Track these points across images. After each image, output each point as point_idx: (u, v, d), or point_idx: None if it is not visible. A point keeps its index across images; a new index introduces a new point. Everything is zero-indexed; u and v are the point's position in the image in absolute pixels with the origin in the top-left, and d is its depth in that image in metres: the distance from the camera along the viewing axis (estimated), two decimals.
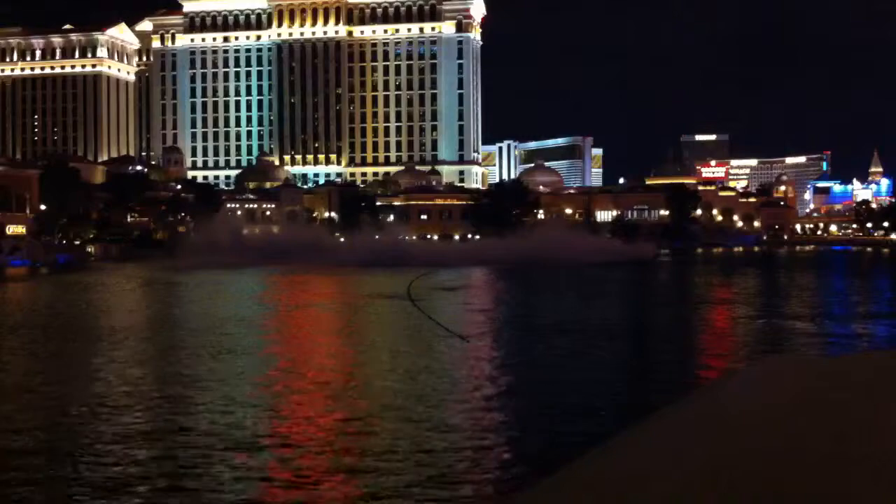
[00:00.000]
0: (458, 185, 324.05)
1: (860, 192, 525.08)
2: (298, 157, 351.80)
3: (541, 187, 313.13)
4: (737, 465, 3.68)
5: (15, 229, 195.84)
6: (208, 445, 27.42)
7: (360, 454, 26.44)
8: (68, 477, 24.63)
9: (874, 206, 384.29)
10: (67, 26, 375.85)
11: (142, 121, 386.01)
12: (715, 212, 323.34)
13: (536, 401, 34.58)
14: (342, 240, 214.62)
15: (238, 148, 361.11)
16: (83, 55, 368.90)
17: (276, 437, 28.70)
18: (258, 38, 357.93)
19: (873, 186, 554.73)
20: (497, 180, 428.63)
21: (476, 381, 38.92)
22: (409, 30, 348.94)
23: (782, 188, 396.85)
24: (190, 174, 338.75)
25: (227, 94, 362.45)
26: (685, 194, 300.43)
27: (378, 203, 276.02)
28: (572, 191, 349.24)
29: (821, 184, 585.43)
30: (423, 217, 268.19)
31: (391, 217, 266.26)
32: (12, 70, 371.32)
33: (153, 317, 74.72)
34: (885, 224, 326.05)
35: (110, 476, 24.58)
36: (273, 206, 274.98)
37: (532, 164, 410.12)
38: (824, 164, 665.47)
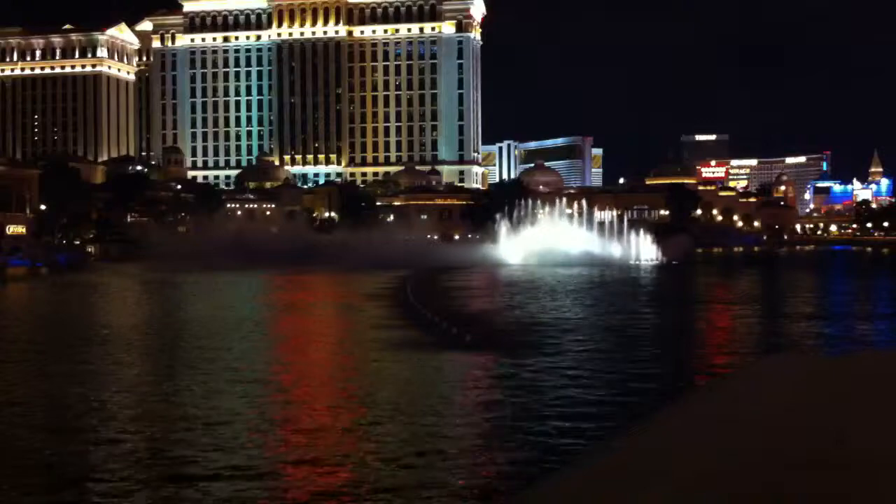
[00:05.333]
0: (458, 185, 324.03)
1: (860, 192, 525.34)
2: (298, 157, 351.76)
3: (541, 187, 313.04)
4: (737, 465, 3.70)
5: (15, 229, 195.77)
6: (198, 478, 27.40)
7: (371, 457, 26.46)
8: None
9: (874, 206, 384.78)
10: (67, 26, 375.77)
11: (142, 121, 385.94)
12: (715, 212, 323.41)
13: (532, 400, 34.59)
14: (333, 237, 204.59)
15: (238, 148, 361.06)
16: (83, 55, 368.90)
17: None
18: (258, 38, 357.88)
19: (873, 186, 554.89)
20: (497, 180, 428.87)
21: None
22: (409, 30, 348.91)
23: (782, 188, 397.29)
24: (190, 174, 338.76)
25: (227, 94, 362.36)
26: (685, 194, 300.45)
27: (378, 203, 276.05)
28: (572, 191, 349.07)
29: (821, 184, 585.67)
30: (423, 217, 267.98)
31: (391, 217, 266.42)
32: (12, 70, 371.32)
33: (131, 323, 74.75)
34: (886, 224, 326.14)
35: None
36: (273, 206, 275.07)
37: (532, 164, 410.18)
38: (824, 164, 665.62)
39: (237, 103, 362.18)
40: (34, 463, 26.14)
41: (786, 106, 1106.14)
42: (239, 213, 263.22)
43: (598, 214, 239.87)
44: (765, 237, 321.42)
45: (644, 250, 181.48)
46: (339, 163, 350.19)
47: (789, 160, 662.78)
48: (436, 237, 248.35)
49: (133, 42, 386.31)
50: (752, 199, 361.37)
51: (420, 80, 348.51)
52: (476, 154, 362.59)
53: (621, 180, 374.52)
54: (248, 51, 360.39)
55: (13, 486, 23.97)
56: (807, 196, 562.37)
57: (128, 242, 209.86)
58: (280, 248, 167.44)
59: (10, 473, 25.11)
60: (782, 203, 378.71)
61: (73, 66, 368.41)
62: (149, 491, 23.43)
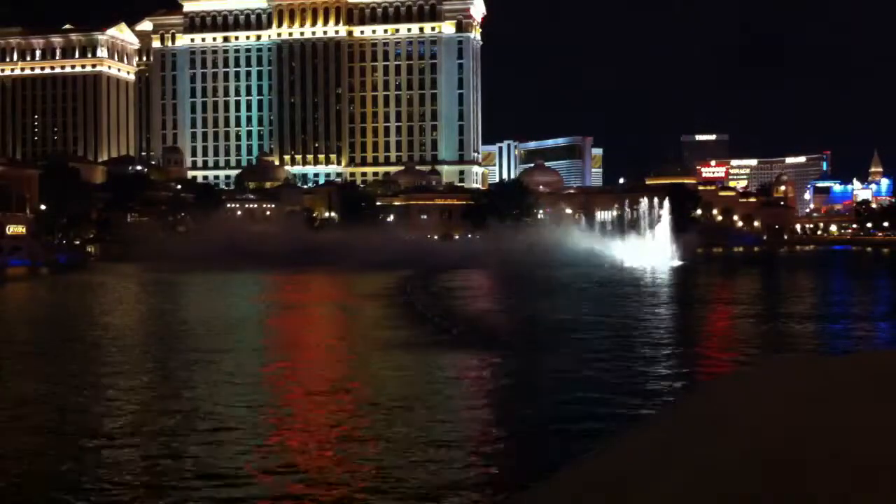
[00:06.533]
0: (458, 185, 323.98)
1: (860, 192, 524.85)
2: (298, 157, 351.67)
3: (541, 187, 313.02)
4: (736, 466, 3.69)
5: (15, 229, 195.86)
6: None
7: (359, 458, 26.40)
8: None
9: (874, 206, 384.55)
10: (67, 26, 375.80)
11: (142, 121, 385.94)
12: (715, 212, 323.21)
13: (519, 398, 34.53)
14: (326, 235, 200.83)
15: (238, 148, 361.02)
16: (83, 55, 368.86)
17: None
18: (258, 38, 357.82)
19: (873, 186, 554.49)
20: (497, 180, 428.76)
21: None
22: (409, 30, 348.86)
23: (782, 188, 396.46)
24: (190, 174, 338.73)
25: (227, 94, 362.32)
26: (685, 194, 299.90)
27: (378, 203, 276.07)
28: (572, 191, 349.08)
29: (821, 184, 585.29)
30: (423, 217, 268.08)
31: (391, 217, 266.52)
32: (12, 70, 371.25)
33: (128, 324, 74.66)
34: (886, 224, 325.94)
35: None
36: (273, 206, 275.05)
37: (532, 164, 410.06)
38: (824, 164, 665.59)
39: (237, 103, 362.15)
40: (24, 465, 26.05)
41: (786, 106, 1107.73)
42: (239, 213, 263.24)
43: (599, 214, 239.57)
44: (765, 237, 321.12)
45: (647, 251, 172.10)
46: (339, 163, 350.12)
47: (789, 160, 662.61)
48: (436, 237, 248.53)
49: (133, 42, 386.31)
50: (752, 199, 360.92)
51: (420, 80, 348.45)
52: (476, 154, 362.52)
53: (621, 180, 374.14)
54: (248, 51, 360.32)
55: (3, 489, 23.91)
56: (807, 196, 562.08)
57: (122, 243, 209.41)
58: (276, 249, 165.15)
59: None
60: (782, 203, 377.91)
61: (73, 66, 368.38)
62: (141, 499, 23.31)
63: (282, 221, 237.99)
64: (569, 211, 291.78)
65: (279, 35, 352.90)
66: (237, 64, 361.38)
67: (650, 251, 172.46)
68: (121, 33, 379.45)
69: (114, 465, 25.72)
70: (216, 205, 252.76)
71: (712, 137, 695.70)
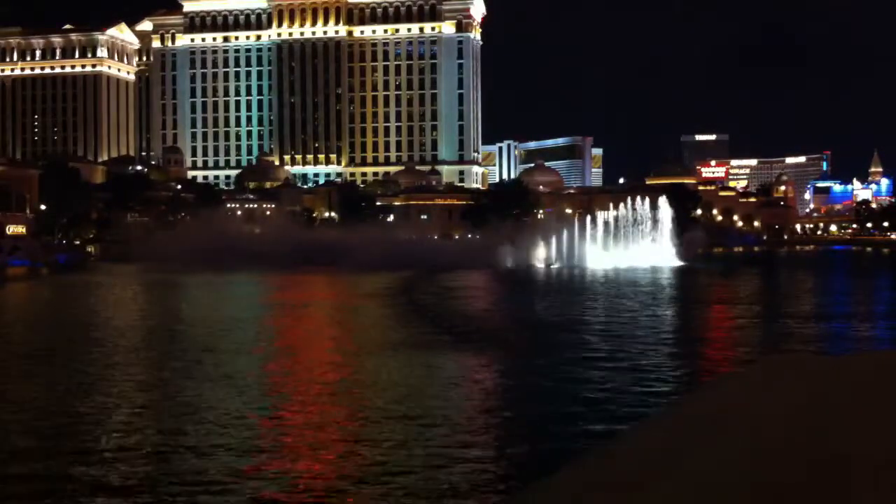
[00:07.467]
0: (458, 185, 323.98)
1: (860, 192, 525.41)
2: (298, 157, 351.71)
3: (541, 187, 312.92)
4: (737, 465, 3.70)
5: (15, 229, 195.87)
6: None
7: (357, 456, 26.37)
8: None
9: (874, 205, 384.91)
10: (67, 26, 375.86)
11: (142, 121, 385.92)
12: (715, 212, 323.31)
13: (522, 398, 34.51)
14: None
15: (238, 148, 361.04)
16: (83, 55, 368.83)
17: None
18: (258, 38, 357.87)
19: (873, 186, 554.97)
20: (497, 180, 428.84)
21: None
22: (409, 30, 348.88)
23: (782, 188, 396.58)
24: (190, 174, 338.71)
25: (227, 94, 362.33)
26: (685, 194, 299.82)
27: (378, 203, 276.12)
28: (572, 191, 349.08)
29: (821, 184, 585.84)
30: (423, 217, 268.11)
31: (391, 217, 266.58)
32: (12, 70, 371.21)
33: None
34: (886, 224, 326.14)
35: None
36: (273, 206, 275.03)
37: (532, 164, 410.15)
38: (824, 164, 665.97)
39: (237, 103, 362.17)
40: (15, 470, 25.99)
41: (786, 106, 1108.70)
42: (239, 213, 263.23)
43: (599, 214, 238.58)
44: (765, 237, 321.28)
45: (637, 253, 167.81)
46: (339, 163, 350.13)
47: (789, 160, 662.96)
48: (435, 237, 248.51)
49: (133, 42, 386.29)
50: (752, 199, 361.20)
51: (420, 80, 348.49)
52: (476, 154, 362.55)
53: (621, 180, 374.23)
54: (248, 51, 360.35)
55: None
56: (807, 196, 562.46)
57: (122, 243, 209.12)
58: (276, 249, 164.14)
59: None
60: (782, 203, 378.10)
61: (73, 66, 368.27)
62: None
63: (280, 221, 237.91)
64: (569, 211, 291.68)
65: (279, 35, 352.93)
66: (237, 64, 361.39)
67: (651, 251, 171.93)
68: (121, 33, 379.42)
69: (108, 468, 25.67)
70: (216, 205, 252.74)
71: (712, 137, 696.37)
